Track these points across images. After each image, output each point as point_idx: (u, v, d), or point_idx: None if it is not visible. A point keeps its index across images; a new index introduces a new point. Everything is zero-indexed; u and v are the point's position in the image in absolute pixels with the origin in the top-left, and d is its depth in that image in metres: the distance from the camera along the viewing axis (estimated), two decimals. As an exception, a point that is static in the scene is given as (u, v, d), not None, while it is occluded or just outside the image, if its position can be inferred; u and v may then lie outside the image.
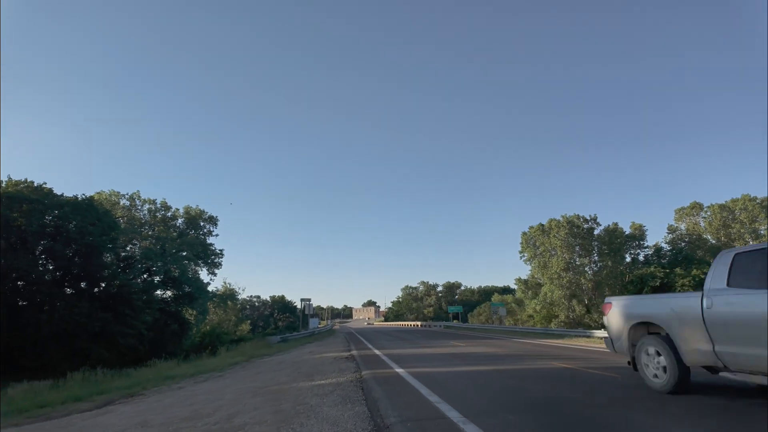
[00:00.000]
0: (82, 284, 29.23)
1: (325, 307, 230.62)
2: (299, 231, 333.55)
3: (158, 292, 38.19)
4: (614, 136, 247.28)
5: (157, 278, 36.13)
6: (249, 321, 60.58)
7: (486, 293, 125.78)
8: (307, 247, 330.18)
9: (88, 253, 27.51)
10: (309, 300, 42.75)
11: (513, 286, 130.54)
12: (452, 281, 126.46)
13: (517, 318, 63.86)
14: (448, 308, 54.00)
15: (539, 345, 18.08)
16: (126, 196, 35.94)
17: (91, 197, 29.51)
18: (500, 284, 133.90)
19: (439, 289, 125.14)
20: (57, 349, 24.01)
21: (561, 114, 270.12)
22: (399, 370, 9.45)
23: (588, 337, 24.72)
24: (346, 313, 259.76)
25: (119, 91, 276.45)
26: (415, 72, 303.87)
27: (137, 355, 30.53)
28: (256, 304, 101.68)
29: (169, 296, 37.34)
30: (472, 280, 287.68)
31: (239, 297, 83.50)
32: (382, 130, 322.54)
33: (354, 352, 14.72)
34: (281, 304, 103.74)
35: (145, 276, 36.34)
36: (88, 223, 26.94)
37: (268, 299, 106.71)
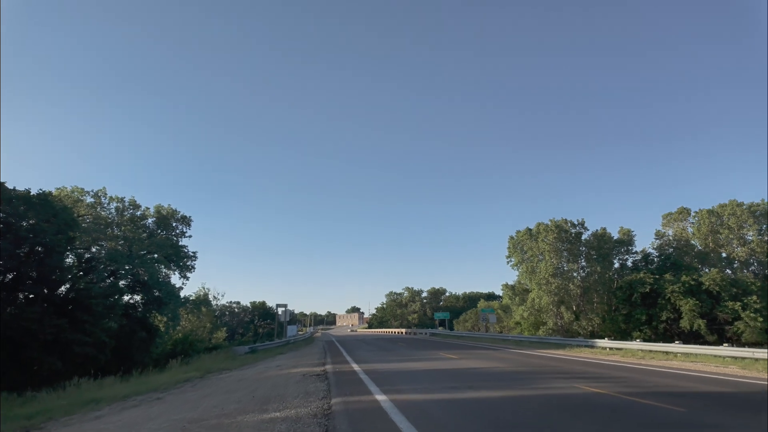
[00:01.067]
0: (39, 288, 26.75)
1: (308, 313, 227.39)
2: (282, 237, 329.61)
3: (126, 297, 35.69)
4: (601, 139, 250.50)
5: (123, 282, 33.62)
6: (225, 328, 57.85)
7: (471, 299, 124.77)
8: (290, 254, 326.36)
9: (42, 253, 25.05)
10: (285, 306, 40.21)
11: (499, 292, 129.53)
12: (437, 287, 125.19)
13: (504, 325, 62.56)
14: (434, 315, 52.26)
15: (542, 357, 16.59)
16: (90, 193, 33.44)
17: (48, 193, 27.06)
18: (485, 290, 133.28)
19: (424, 295, 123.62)
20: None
21: (547, 118, 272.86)
22: (380, 399, 7.45)
23: (591, 347, 23.05)
24: (330, 319, 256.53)
25: (96, 88, 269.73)
26: (401, 74, 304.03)
27: (97, 365, 28.07)
28: (236, 310, 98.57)
29: (137, 301, 34.80)
30: (458, 286, 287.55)
31: (217, 302, 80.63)
32: (366, 132, 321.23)
33: (328, 367, 13.07)
34: (262, 311, 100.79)
35: (110, 279, 33.82)
36: (42, 221, 24.53)
37: (249, 305, 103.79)
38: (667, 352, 19.45)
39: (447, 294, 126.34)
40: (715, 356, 17.08)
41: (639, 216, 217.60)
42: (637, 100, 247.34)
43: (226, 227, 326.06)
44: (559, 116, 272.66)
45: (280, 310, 40.82)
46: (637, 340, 22.50)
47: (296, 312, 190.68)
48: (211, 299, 78.24)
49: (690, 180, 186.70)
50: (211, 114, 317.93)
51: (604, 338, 36.16)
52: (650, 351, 20.26)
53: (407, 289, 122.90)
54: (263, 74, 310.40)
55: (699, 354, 18.18)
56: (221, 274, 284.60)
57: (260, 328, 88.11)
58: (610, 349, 21.69)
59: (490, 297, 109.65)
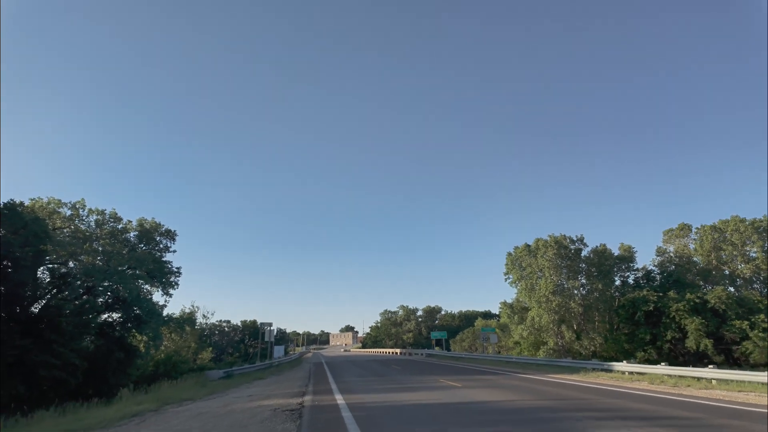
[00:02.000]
0: (4, 306, 24.79)
1: (301, 332, 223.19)
2: (273, 255, 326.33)
3: (104, 315, 33.65)
4: (599, 155, 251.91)
5: (100, 299, 31.65)
6: (211, 348, 55.42)
7: (467, 318, 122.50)
8: (282, 272, 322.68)
9: (9, 267, 23.21)
10: (270, 324, 38.01)
11: (495, 310, 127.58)
12: (433, 305, 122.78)
13: (502, 344, 60.57)
14: (431, 334, 50.21)
15: (559, 385, 14.72)
16: (68, 205, 31.68)
17: (18, 203, 25.34)
18: (482, 308, 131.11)
19: (419, 313, 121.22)
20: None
21: (544, 134, 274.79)
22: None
23: (608, 371, 20.83)
24: (323, 338, 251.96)
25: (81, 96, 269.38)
26: (393, 92, 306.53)
27: (67, 389, 25.99)
28: (226, 329, 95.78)
29: (115, 320, 32.75)
30: (453, 304, 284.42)
31: (206, 321, 77.96)
32: (359, 151, 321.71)
33: (307, 399, 11.45)
34: (253, 329, 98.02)
35: (86, 297, 31.88)
36: (10, 232, 22.77)
37: (239, 324, 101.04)
38: (699, 378, 16.95)
39: (443, 312, 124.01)
40: (761, 383, 14.86)
41: (638, 232, 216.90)
42: (636, 114, 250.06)
43: (218, 246, 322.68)
44: (558, 136, 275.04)
45: (265, 329, 38.54)
46: (662, 364, 20.13)
47: (289, 331, 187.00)
48: (200, 318, 75.80)
49: (690, 196, 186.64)
50: (200, 133, 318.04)
51: (621, 361, 33.87)
52: (680, 377, 17.75)
53: (402, 307, 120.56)
54: (255, 91, 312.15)
55: (739, 381, 15.70)
56: (212, 293, 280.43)
57: (250, 347, 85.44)
58: (630, 373, 19.49)
59: (487, 315, 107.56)
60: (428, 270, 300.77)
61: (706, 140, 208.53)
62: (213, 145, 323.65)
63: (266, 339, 37.75)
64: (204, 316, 76.82)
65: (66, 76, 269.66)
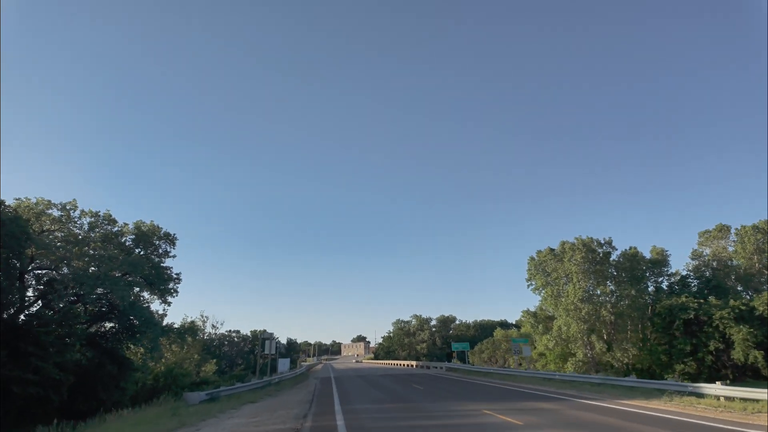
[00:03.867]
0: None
1: (312, 342, 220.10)
2: (285, 265, 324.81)
3: (96, 325, 31.21)
4: (622, 156, 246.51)
5: (90, 307, 29.24)
6: (215, 360, 52.76)
7: (482, 328, 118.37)
8: (294, 282, 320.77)
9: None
10: (271, 335, 34.89)
11: (511, 319, 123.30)
12: (447, 315, 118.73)
13: (524, 356, 56.93)
14: (452, 345, 46.59)
15: (654, 421, 11.29)
16: (58, 206, 29.43)
17: (-3, 201, 23.06)
18: (497, 318, 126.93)
19: (433, 323, 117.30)
20: None
21: (562, 137, 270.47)
22: None
23: (697, 395, 16.11)
24: (335, 349, 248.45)
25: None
26: (405, 96, 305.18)
27: (50, 407, 23.43)
28: (236, 339, 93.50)
29: (107, 330, 30.32)
30: (467, 314, 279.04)
31: (215, 331, 75.53)
32: (371, 157, 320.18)
33: None
34: (263, 340, 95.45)
35: (77, 306, 29.50)
36: (-17, 233, 20.44)
37: (249, 334, 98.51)
38: None
39: (457, 322, 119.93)
40: None
41: (666, 237, 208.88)
42: (662, 115, 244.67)
43: (229, 255, 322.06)
44: (577, 139, 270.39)
45: (264, 342, 35.47)
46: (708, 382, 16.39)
47: (300, 341, 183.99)
48: (209, 328, 73.39)
49: (723, 196, 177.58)
50: (207, 136, 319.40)
51: (699, 381, 28.75)
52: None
53: (415, 316, 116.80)
54: (262, 93, 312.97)
55: None
56: (221, 303, 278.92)
57: (260, 358, 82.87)
58: (728, 399, 14.95)
59: (504, 325, 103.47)
60: (441, 279, 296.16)
61: (737, 138, 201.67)
62: (221, 148, 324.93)
63: (266, 351, 34.52)
64: (213, 326, 74.56)
65: (61, 71, 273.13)
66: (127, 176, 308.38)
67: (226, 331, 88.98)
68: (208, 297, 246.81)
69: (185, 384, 37.96)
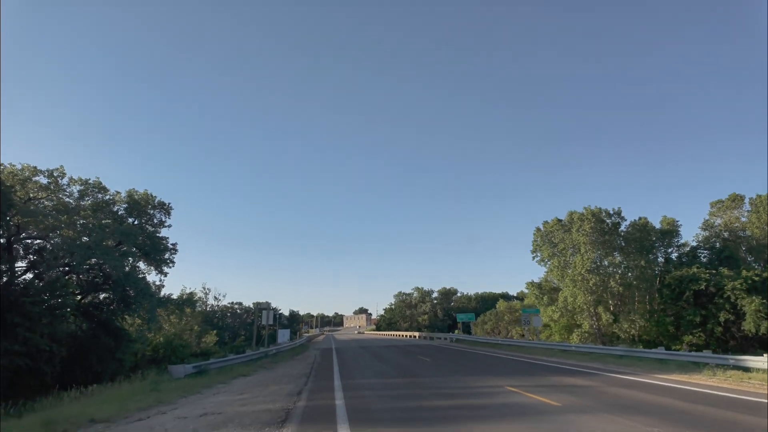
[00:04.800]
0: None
1: (315, 314, 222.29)
2: (288, 237, 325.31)
3: (91, 295, 30.34)
4: (620, 128, 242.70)
5: (83, 277, 28.28)
6: (216, 331, 52.37)
7: (484, 300, 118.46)
8: (296, 254, 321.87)
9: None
10: (269, 305, 33.82)
11: (513, 291, 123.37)
12: (448, 287, 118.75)
13: (528, 328, 56.48)
14: (457, 316, 45.56)
15: (706, 398, 9.86)
16: (45, 173, 28.05)
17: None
18: (498, 290, 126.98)
19: (435, 295, 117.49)
20: None
21: (563, 110, 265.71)
22: None
23: (743, 369, 14.63)
24: (337, 321, 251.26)
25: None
26: (412, 64, 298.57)
27: (41, 380, 22.70)
28: (238, 311, 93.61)
29: (102, 300, 29.45)
30: (469, 286, 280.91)
31: (218, 303, 75.31)
32: (373, 126, 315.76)
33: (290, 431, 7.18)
34: (260, 310, 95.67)
35: (71, 277, 28.56)
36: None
37: (251, 306, 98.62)
38: None
39: (459, 294, 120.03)
40: None
41: (679, 210, 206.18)
42: (667, 87, 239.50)
43: (232, 227, 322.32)
44: (577, 111, 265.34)
45: (262, 312, 34.48)
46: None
47: (303, 313, 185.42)
48: (212, 300, 73.08)
49: (738, 169, 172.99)
50: (208, 104, 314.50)
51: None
52: None
53: (417, 289, 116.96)
54: (263, 65, 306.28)
55: None
56: (224, 275, 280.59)
57: (262, 329, 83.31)
58: None
59: (505, 297, 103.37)
60: (443, 252, 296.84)
61: (753, 108, 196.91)
62: (224, 117, 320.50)
63: (264, 322, 33.58)
64: (215, 298, 74.35)
65: (52, 33, 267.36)
66: (123, 145, 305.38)
67: (229, 303, 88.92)
68: (211, 270, 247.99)
69: (185, 355, 37.51)
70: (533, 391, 11.14)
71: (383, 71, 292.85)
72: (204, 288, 78.56)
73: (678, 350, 33.65)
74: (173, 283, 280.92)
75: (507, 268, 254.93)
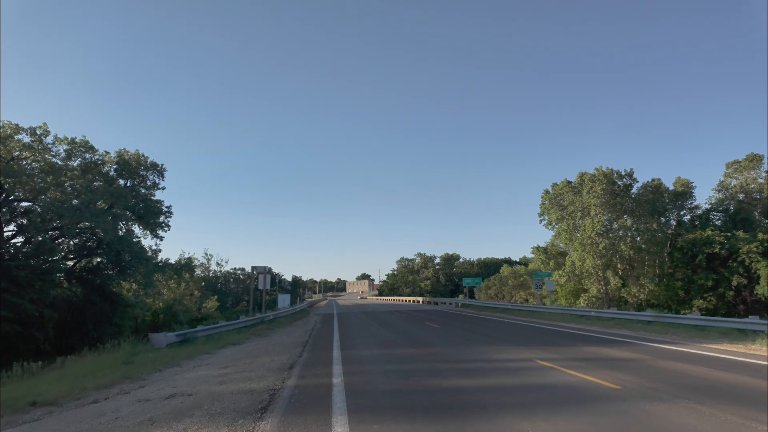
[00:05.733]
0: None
1: (318, 280, 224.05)
2: (290, 203, 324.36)
3: (84, 260, 29.34)
4: (633, 89, 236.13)
5: (74, 241, 27.19)
6: (216, 296, 51.86)
7: (487, 265, 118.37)
8: (298, 220, 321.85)
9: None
10: (266, 269, 32.57)
11: (514, 257, 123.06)
12: (450, 253, 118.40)
13: (531, 292, 56.02)
14: (463, 281, 43.95)
15: None
16: (27, 131, 26.37)
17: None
18: (500, 256, 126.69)
19: (437, 261, 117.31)
20: None
21: (570, 73, 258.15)
22: None
23: None
24: (340, 286, 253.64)
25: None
26: (416, 37, 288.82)
27: (33, 345, 21.97)
28: (241, 276, 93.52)
29: (94, 265, 28.42)
30: (470, 252, 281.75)
31: (220, 269, 74.80)
32: (379, 93, 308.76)
33: (272, 422, 5.78)
34: (257, 274, 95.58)
35: (63, 240, 27.44)
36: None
37: (270, 276, 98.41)
38: None
39: (461, 260, 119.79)
40: None
41: (688, 169, 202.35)
42: (679, 49, 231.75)
43: (235, 192, 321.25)
44: (578, 73, 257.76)
45: (258, 276, 33.28)
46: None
47: (305, 279, 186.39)
48: (214, 266, 72.52)
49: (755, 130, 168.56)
50: (204, 67, 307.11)
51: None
52: None
53: (419, 254, 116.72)
54: (279, 31, 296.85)
55: None
56: (227, 241, 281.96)
57: (267, 294, 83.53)
58: None
59: (508, 263, 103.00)
60: (445, 218, 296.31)
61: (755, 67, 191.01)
62: (222, 82, 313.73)
63: (261, 287, 32.44)
64: (218, 263, 73.85)
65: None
66: (112, 103, 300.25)
67: (231, 269, 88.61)
68: (215, 237, 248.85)
69: (185, 320, 36.94)
70: (572, 367, 9.29)
71: (394, 45, 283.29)
72: (206, 254, 77.95)
73: (686, 314, 32.85)
74: (173, 248, 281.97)
75: (509, 235, 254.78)
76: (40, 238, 22.45)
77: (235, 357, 11.65)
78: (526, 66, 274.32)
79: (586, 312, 24.43)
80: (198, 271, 68.63)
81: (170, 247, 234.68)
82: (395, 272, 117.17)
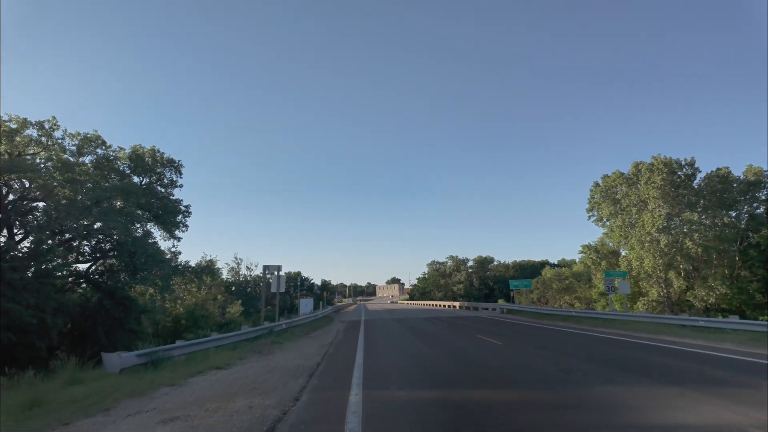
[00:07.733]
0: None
1: (348, 284, 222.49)
2: (320, 208, 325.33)
3: (99, 262, 27.55)
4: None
5: (84, 242, 25.36)
6: (239, 301, 49.85)
7: (523, 268, 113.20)
8: (329, 225, 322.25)
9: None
10: (279, 268, 29.07)
11: (553, 260, 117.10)
12: (484, 255, 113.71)
13: (578, 296, 51.46)
14: (510, 282, 38.89)
15: None
16: (35, 125, 24.78)
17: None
18: (537, 258, 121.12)
19: (470, 264, 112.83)
20: None
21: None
22: None
23: None
24: (370, 290, 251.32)
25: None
26: (443, 40, 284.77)
27: (35, 354, 20.00)
28: (270, 281, 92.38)
29: (106, 267, 26.54)
30: (504, 254, 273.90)
31: (250, 273, 73.47)
32: (407, 99, 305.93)
33: None
34: (297, 281, 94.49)
35: (75, 241, 25.69)
36: None
37: (284, 275, 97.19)
38: None
39: (495, 263, 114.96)
40: None
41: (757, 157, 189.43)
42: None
43: (266, 196, 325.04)
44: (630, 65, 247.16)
45: (269, 277, 30.50)
46: None
47: (335, 283, 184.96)
48: (244, 270, 71.32)
49: None
50: (237, 70, 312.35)
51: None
52: None
53: (451, 257, 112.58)
54: (293, 35, 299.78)
55: None
56: (257, 245, 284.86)
57: (295, 298, 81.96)
58: None
59: (546, 266, 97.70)
60: (476, 221, 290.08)
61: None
62: (264, 86, 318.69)
63: (273, 290, 29.42)
64: (248, 267, 72.77)
65: None
66: (125, 99, 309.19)
67: (261, 274, 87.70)
68: (245, 241, 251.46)
69: (208, 326, 34.94)
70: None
71: (418, 48, 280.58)
72: (236, 258, 76.92)
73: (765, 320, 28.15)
74: (195, 250, 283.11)
75: (542, 237, 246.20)
76: (41, 238, 20.50)
77: (202, 395, 7.79)
78: (569, 67, 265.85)
79: (692, 320, 18.37)
80: (228, 275, 67.47)
81: (192, 249, 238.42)
82: (426, 276, 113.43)
